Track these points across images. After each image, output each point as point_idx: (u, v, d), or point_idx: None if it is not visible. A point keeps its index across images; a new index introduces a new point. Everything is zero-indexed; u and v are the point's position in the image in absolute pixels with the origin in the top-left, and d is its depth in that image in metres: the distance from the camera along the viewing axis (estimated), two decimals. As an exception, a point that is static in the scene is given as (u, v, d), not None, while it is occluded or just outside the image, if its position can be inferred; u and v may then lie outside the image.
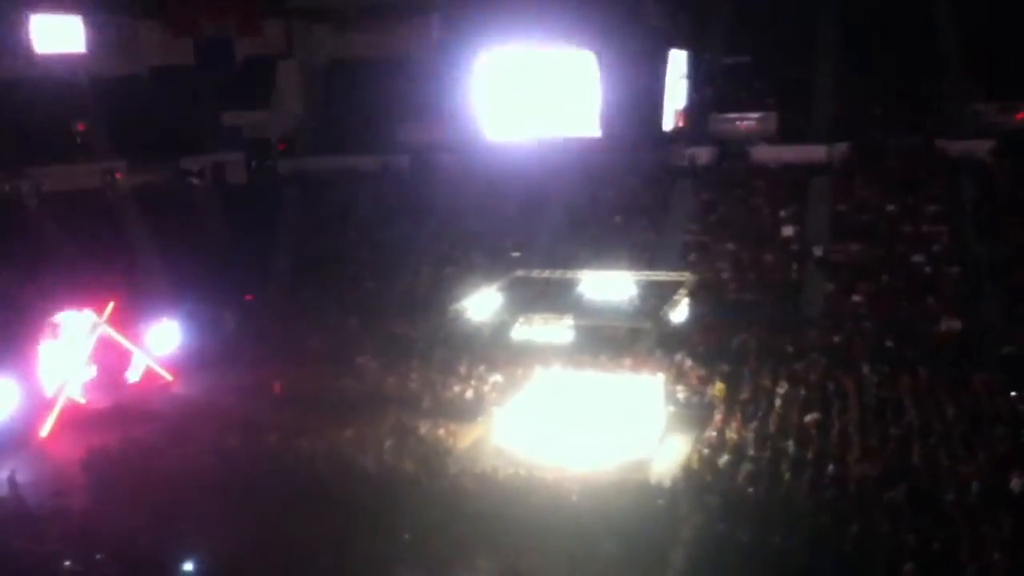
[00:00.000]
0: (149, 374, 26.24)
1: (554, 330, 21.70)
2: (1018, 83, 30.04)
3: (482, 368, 24.41)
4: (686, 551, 15.71)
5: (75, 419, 23.52)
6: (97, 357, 24.96)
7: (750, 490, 16.95)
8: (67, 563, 15.53)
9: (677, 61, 28.54)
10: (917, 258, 27.76)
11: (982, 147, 29.94)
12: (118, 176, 35.33)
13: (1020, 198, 28.04)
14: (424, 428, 21.17)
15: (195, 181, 37.39)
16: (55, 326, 24.03)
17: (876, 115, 32.61)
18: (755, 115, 33.68)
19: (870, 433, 19.54)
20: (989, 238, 27.35)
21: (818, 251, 28.97)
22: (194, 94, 38.45)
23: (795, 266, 28.84)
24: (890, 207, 29.65)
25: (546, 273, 25.35)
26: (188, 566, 15.36)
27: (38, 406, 23.25)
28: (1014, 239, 26.93)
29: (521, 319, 21.89)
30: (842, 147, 31.66)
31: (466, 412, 22.56)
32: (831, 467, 17.68)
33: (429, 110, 36.77)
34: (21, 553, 16.00)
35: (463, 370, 24.52)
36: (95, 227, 31.54)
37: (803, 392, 21.75)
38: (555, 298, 24.50)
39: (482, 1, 33.72)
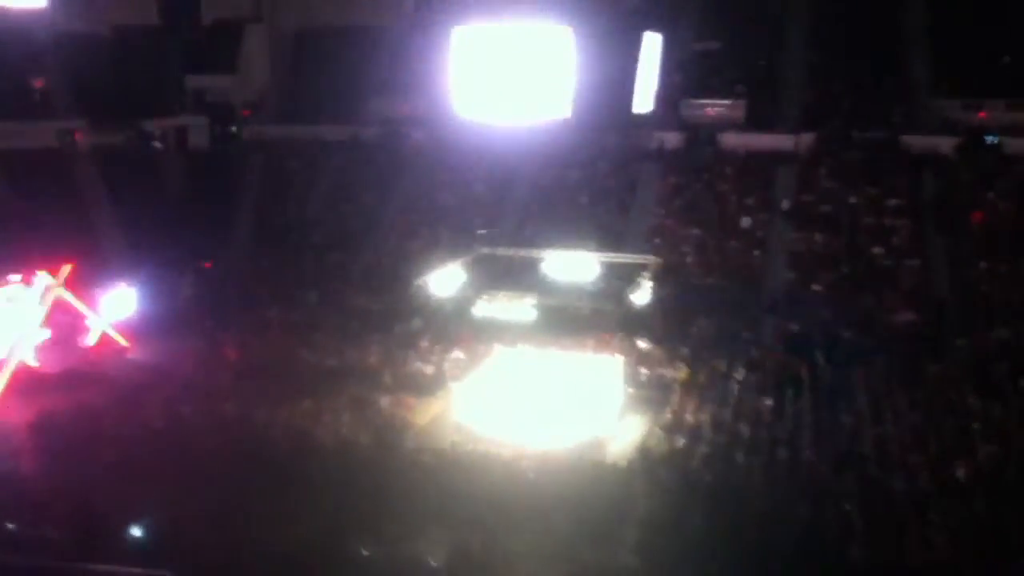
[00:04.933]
0: (104, 339, 25.79)
1: (516, 308, 21.74)
2: (981, 82, 30.55)
3: (443, 344, 24.36)
4: (640, 529, 15.91)
5: (27, 383, 22.93)
6: (51, 320, 24.41)
7: (704, 472, 17.23)
8: (11, 527, 15.34)
9: (651, 44, 28.53)
10: (877, 250, 28.19)
11: (945, 143, 30.38)
12: (77, 136, 34.52)
13: (981, 195, 28.57)
14: (383, 402, 21.08)
15: (156, 145, 36.64)
16: (8, 287, 23.51)
17: (843, 107, 32.91)
18: (724, 102, 33.81)
19: (823, 421, 19.91)
20: (949, 233, 27.84)
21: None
22: (158, 55, 37.55)
23: (757, 253, 29.14)
24: (853, 199, 30.01)
25: (511, 251, 25.34)
26: (138, 532, 15.21)
27: (-11, 368, 22.84)
28: (973, 235, 27.47)
29: (484, 296, 21.89)
30: (809, 137, 31.95)
31: (426, 387, 22.44)
32: (783, 452, 18.08)
33: (401, 83, 36.35)
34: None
35: (424, 345, 24.43)
36: (52, 188, 30.82)
37: (759, 378, 22.14)
38: (519, 276, 24.52)
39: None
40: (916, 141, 31.00)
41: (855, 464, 17.50)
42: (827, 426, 19.57)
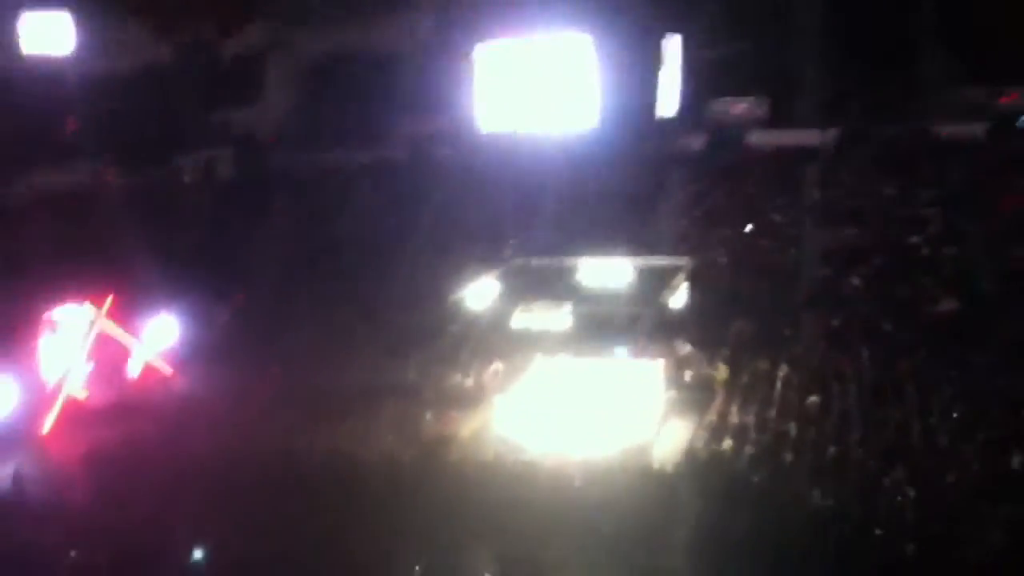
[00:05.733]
0: (148, 369, 26.15)
1: (553, 317, 21.75)
2: (1003, 67, 30.19)
3: (482, 356, 24.40)
4: (689, 532, 15.79)
5: (76, 415, 23.38)
6: (96, 352, 24.79)
7: (752, 473, 17.06)
8: (71, 555, 15.60)
9: (671, 47, 28.57)
10: (913, 240, 27.84)
11: (972, 130, 30.00)
12: (109, 175, 35.20)
13: (1013, 179, 28.16)
14: (425, 417, 21.24)
15: (186, 178, 37.25)
16: (53, 321, 23.95)
17: (868, 99, 32.63)
18: (748, 101, 33.68)
19: (870, 415, 19.66)
20: (984, 219, 27.46)
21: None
22: (182, 92, 38.20)
23: (792, 251, 28.90)
24: (884, 190, 29.72)
25: (544, 261, 25.38)
26: (188, 561, 15.37)
27: (38, 402, 23.11)
28: (1009, 219, 27.05)
29: (520, 307, 21.94)
30: (834, 132, 31.69)
31: (467, 401, 22.52)
32: (832, 449, 17.86)
33: (424, 102, 36.64)
34: (24, 546, 16.01)
35: (463, 359, 24.52)
36: (90, 224, 31.41)
37: (803, 375, 21.89)
38: (554, 285, 24.56)
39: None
40: (943, 129, 30.66)
41: (904, 459, 17.27)
42: (874, 421, 19.35)
